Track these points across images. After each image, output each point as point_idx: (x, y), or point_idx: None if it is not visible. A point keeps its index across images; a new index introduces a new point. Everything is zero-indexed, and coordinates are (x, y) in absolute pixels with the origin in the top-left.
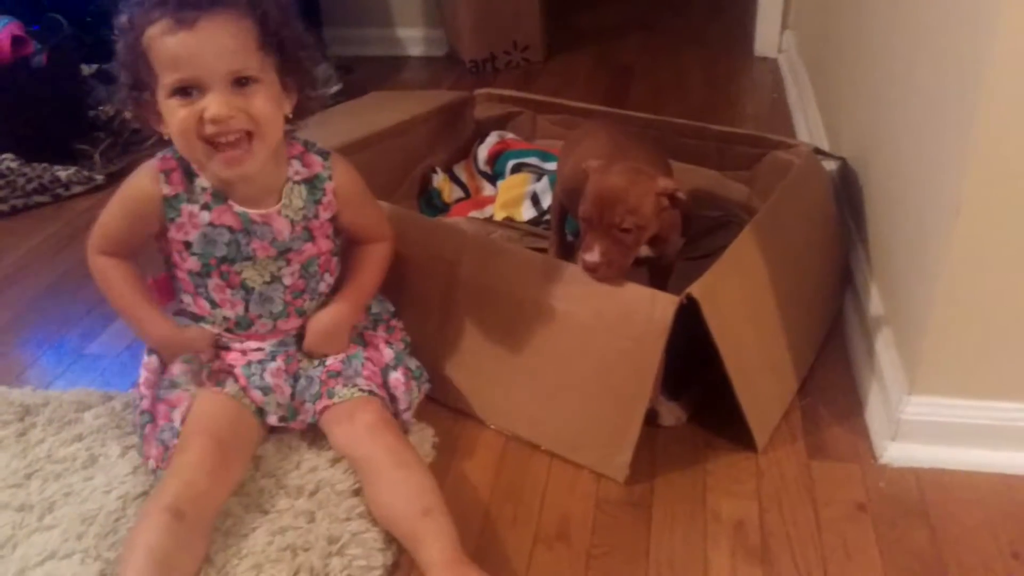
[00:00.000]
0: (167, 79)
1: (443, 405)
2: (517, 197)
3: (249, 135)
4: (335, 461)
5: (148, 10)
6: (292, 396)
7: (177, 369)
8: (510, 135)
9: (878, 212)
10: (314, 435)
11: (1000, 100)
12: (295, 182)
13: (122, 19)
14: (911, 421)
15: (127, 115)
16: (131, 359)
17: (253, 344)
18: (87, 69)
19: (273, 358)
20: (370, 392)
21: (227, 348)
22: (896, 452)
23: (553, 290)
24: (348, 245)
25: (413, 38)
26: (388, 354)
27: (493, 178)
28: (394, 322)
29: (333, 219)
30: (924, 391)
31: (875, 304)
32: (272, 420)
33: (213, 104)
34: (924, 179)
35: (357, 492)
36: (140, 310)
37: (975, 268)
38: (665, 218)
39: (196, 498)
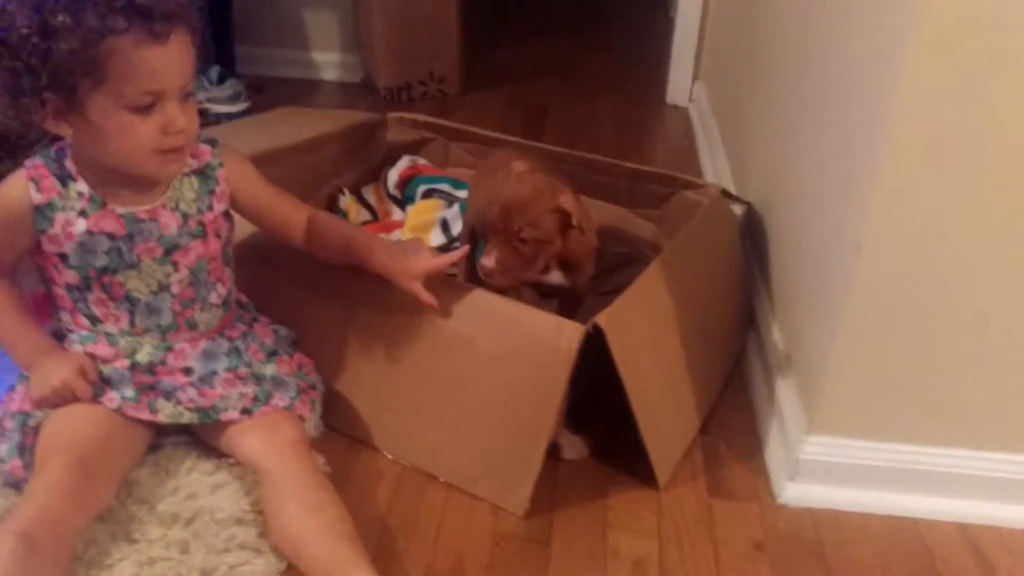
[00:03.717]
0: (132, 92)
1: (337, 432)
2: (427, 223)
3: None
4: (216, 487)
5: (106, 16)
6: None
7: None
8: (422, 160)
9: (781, 255)
10: (195, 460)
11: (901, 147)
12: (185, 174)
13: (58, 19)
14: (809, 461)
15: None
16: None
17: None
18: None
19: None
20: (288, 407)
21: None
22: (794, 492)
23: (458, 314)
24: (273, 232)
25: (328, 62)
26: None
27: (403, 202)
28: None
29: (228, 214)
30: (822, 431)
31: (776, 345)
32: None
33: (181, 117)
34: (826, 223)
35: (239, 520)
36: (12, 329)
37: (873, 311)
38: (579, 243)
39: (51, 523)
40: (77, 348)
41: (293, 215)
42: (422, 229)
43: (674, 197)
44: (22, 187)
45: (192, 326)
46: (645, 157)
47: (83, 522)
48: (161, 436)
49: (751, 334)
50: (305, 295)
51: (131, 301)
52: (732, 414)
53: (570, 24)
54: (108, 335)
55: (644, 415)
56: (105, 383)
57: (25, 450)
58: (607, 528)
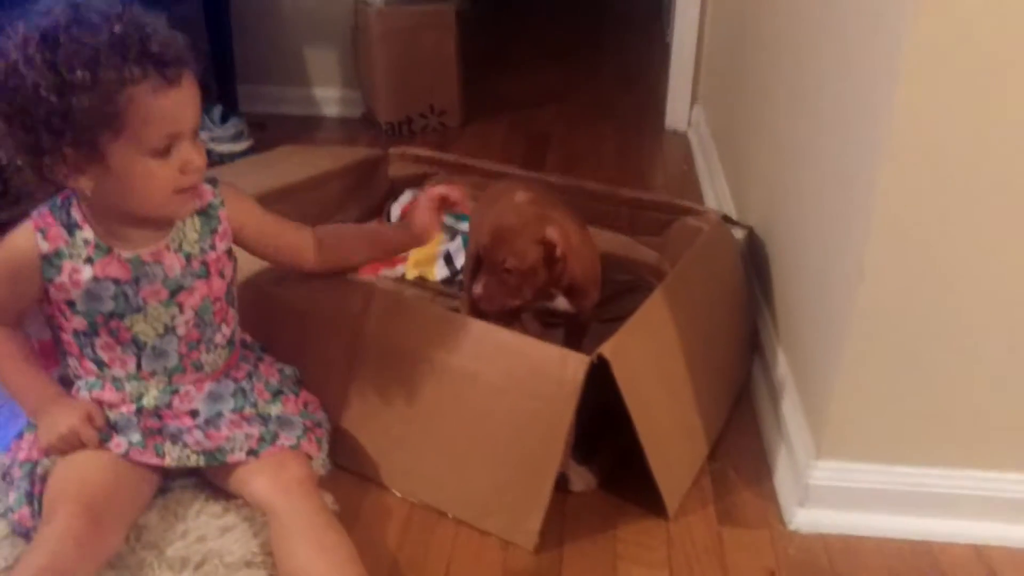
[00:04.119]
0: (152, 137)
1: (345, 470)
2: (430, 256)
3: None
4: (225, 530)
5: (121, 67)
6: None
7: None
8: None
9: (784, 279)
10: (204, 502)
11: (901, 168)
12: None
13: (76, 75)
14: (818, 486)
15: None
16: (2, 423)
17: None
18: None
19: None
20: (295, 445)
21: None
22: (804, 517)
23: (463, 348)
24: (282, 261)
25: (329, 98)
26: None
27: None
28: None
29: (231, 253)
30: (831, 456)
31: (782, 369)
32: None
33: (197, 156)
34: (828, 246)
35: (249, 563)
36: (19, 376)
37: (879, 332)
38: (577, 271)
39: (61, 572)
40: (84, 394)
41: (299, 240)
42: (426, 262)
43: (675, 224)
44: (29, 237)
45: (198, 367)
46: (645, 183)
47: (93, 569)
48: (169, 479)
49: (756, 359)
50: (309, 333)
51: (138, 345)
52: (740, 440)
53: (567, 53)
54: (115, 380)
55: (651, 444)
56: (112, 428)
57: (33, 498)
58: (617, 560)
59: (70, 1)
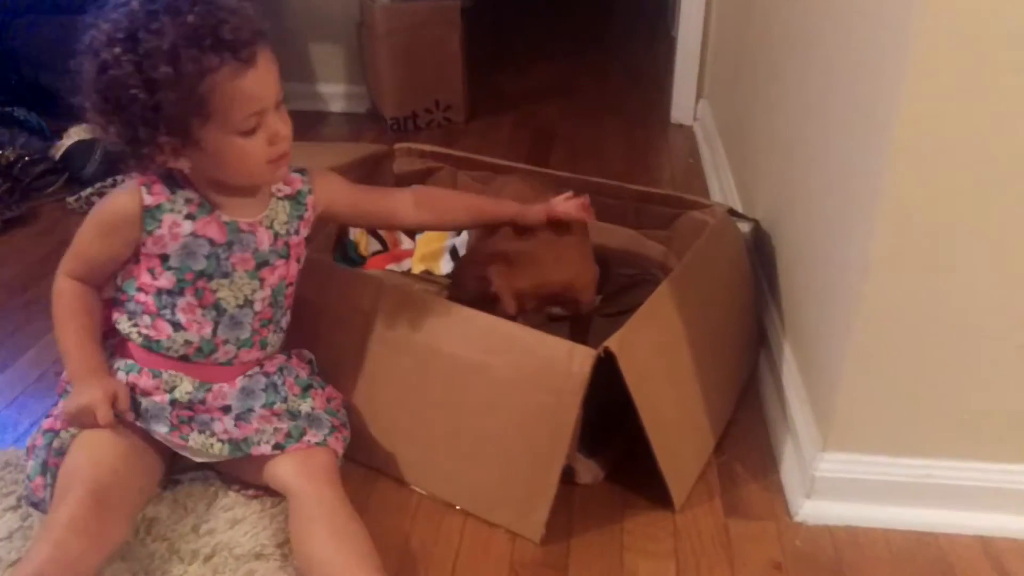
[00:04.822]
0: (238, 118)
1: (354, 461)
2: (436, 251)
3: None
4: (235, 523)
5: (199, 58)
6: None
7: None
8: None
9: (790, 272)
10: (214, 495)
11: (906, 163)
12: (278, 198)
13: (160, 72)
14: (825, 478)
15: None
16: (15, 416)
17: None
18: None
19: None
20: (321, 443)
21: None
22: (811, 510)
23: (470, 342)
24: (380, 225)
25: (335, 94)
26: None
27: (412, 232)
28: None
29: (308, 242)
30: (837, 448)
31: (788, 362)
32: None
33: (284, 126)
34: (834, 240)
35: (258, 555)
36: (74, 340)
37: (885, 326)
38: (574, 277)
39: (67, 563)
40: (121, 376)
41: (392, 204)
42: (432, 258)
43: (681, 218)
44: (134, 191)
45: (263, 346)
46: (652, 177)
47: (101, 557)
48: (180, 472)
49: (762, 352)
50: (320, 327)
51: (219, 310)
52: (746, 433)
53: (573, 48)
54: (186, 341)
55: (658, 437)
56: (139, 415)
57: (48, 469)
58: (624, 551)
59: None
